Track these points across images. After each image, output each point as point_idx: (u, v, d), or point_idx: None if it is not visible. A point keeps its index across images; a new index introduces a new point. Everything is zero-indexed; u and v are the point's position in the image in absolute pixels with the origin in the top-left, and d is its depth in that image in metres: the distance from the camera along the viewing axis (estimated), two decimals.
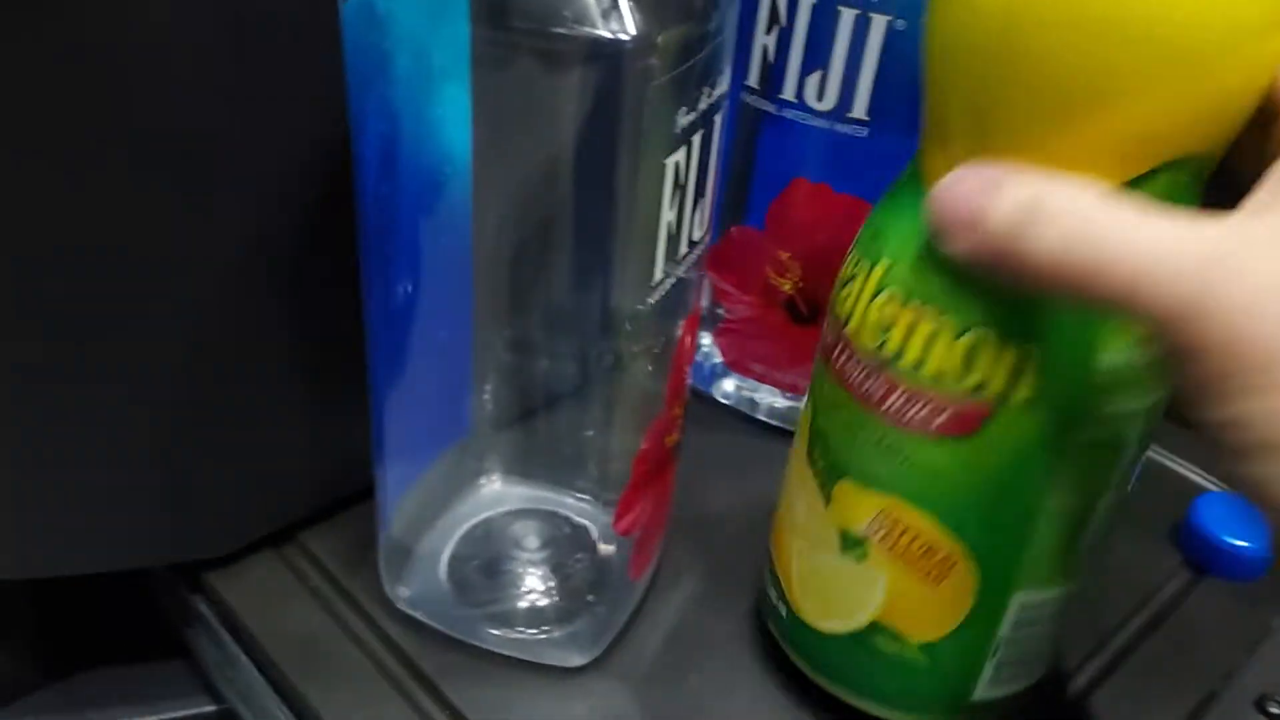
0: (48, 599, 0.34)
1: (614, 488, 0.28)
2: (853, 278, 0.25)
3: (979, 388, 0.23)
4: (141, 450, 0.29)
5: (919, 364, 0.23)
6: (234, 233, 0.27)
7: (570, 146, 0.25)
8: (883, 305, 0.24)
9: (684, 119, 0.23)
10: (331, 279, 0.28)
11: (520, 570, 0.30)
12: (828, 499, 0.26)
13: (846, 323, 0.25)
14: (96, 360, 0.27)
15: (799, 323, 0.36)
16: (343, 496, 0.33)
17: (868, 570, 0.26)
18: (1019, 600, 0.26)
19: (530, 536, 0.31)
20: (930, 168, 0.23)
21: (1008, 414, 0.23)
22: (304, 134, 0.27)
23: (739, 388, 0.38)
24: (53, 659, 0.33)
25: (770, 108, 0.33)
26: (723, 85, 0.25)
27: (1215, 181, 0.22)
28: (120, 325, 0.27)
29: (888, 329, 0.23)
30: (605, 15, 0.22)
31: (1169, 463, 0.40)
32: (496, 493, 0.32)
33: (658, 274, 0.25)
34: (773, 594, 0.29)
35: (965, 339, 0.22)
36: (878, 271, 0.24)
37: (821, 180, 0.33)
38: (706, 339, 0.38)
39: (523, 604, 0.30)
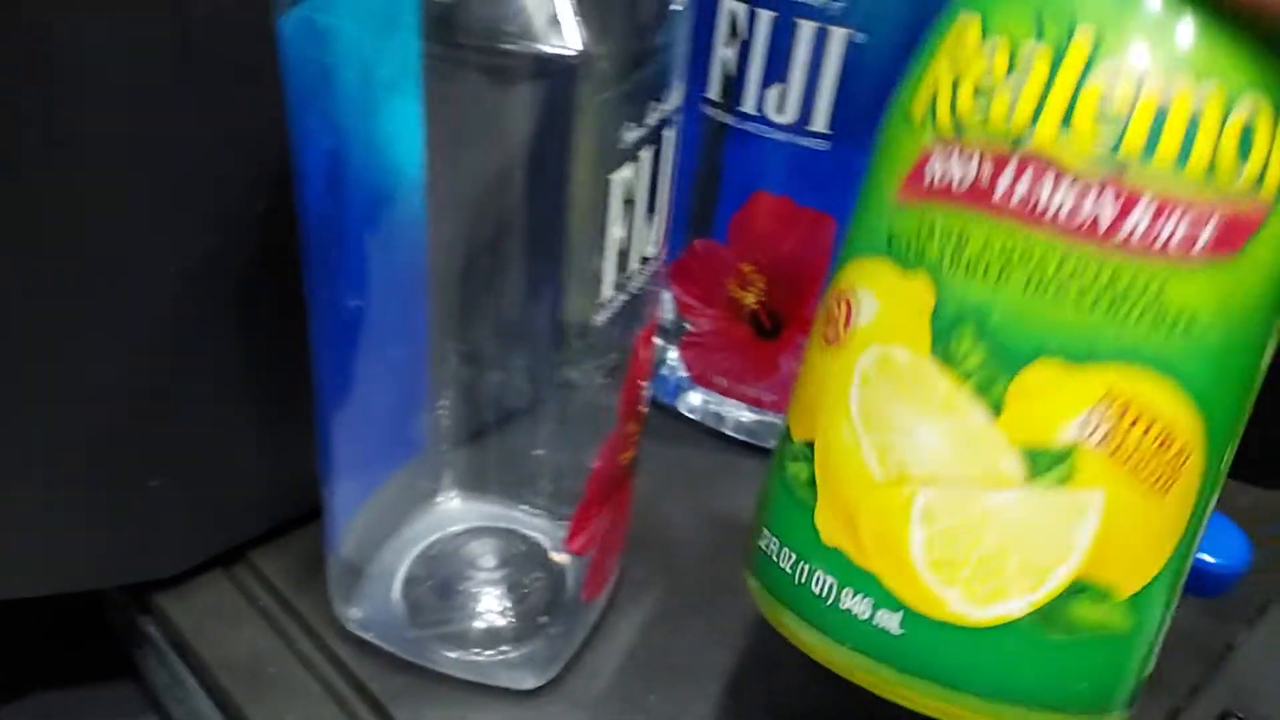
0: None
1: (570, 505, 0.27)
2: (1015, 70, 0.18)
3: (1256, 181, 0.17)
4: (84, 471, 0.28)
5: (1180, 158, 0.17)
6: (177, 249, 0.27)
7: (519, 162, 0.24)
8: (1106, 88, 0.17)
9: (631, 134, 0.23)
10: (280, 296, 0.27)
11: (475, 590, 0.30)
12: (997, 406, 0.18)
13: (1024, 135, 0.18)
14: (37, 380, 0.26)
15: (762, 336, 0.35)
16: (295, 515, 0.32)
17: (1071, 500, 0.18)
18: (1209, 506, 0.20)
19: (486, 555, 0.31)
20: None
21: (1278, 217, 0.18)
22: (248, 149, 0.26)
23: (705, 402, 0.38)
24: (2, 680, 0.33)
25: (731, 121, 0.32)
26: (673, 100, 0.24)
27: None
28: (60, 342, 0.26)
29: (1123, 120, 0.17)
30: (549, 30, 0.21)
31: None
32: (452, 511, 0.32)
33: (607, 291, 0.24)
34: (854, 604, 0.20)
35: (1239, 113, 0.17)
36: (1079, 45, 0.18)
37: (784, 193, 0.33)
38: (672, 353, 0.38)
39: (477, 624, 0.29)
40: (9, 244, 0.25)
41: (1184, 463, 0.19)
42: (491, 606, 0.30)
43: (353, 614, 0.29)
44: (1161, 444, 0.19)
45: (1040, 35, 0.18)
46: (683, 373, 0.38)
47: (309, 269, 0.26)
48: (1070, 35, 0.18)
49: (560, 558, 0.30)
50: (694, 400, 0.38)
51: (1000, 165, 0.18)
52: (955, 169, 0.19)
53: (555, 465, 0.29)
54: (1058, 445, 0.18)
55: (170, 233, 0.26)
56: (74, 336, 0.26)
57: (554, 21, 0.21)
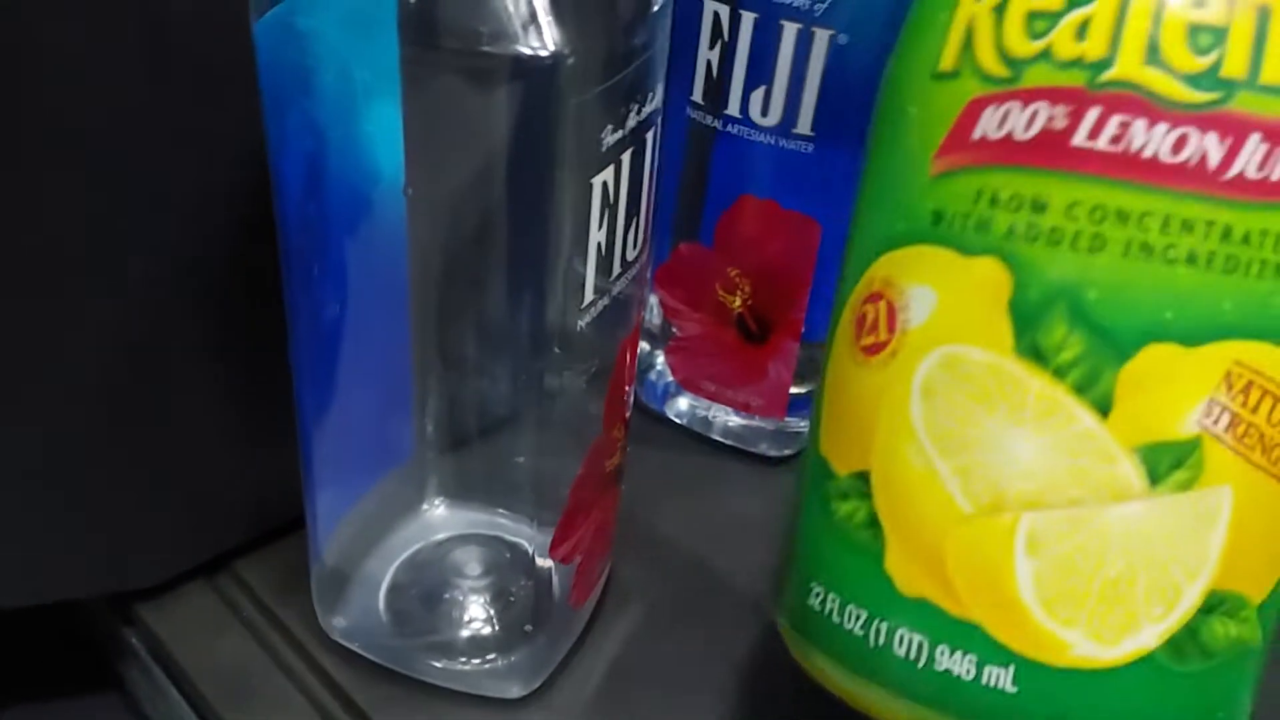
0: None
1: (555, 512, 0.27)
2: (1077, 4, 0.15)
3: None
4: (66, 481, 0.28)
5: None
6: (156, 255, 0.26)
7: (499, 165, 0.24)
8: (1188, 6, 0.15)
9: (611, 137, 0.22)
10: (261, 302, 0.27)
11: (460, 598, 0.30)
12: (1105, 404, 0.16)
13: (1104, 66, 0.15)
14: (16, 389, 0.26)
15: (749, 340, 0.35)
16: (280, 524, 0.32)
17: (1200, 501, 0.16)
18: None
19: (471, 563, 0.30)
20: None
21: None
22: (226, 152, 0.26)
23: (693, 407, 0.38)
24: None
25: (716, 124, 0.32)
26: (653, 103, 0.24)
27: None
28: (41, 351, 0.26)
29: (1221, 36, 0.15)
30: (526, 31, 0.21)
31: None
32: (437, 518, 0.31)
33: (589, 294, 0.24)
34: (955, 664, 0.17)
35: None
36: None
37: (769, 196, 0.33)
38: (660, 358, 0.38)
39: (462, 633, 0.29)
40: None
41: None
42: (477, 615, 0.29)
43: (337, 623, 0.29)
44: None
45: None
46: (670, 378, 0.38)
47: (288, 274, 0.25)
48: None
49: (546, 565, 0.29)
50: (682, 405, 0.38)
51: (1077, 107, 0.15)
52: (1015, 119, 0.16)
53: (540, 472, 0.29)
54: (1180, 440, 0.16)
55: (149, 238, 0.26)
56: (54, 344, 0.26)
57: (531, 23, 0.21)
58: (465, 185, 0.25)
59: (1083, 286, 0.16)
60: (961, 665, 0.17)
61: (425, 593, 0.30)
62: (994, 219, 0.16)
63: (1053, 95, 0.16)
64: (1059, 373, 0.16)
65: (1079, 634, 0.16)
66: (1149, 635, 0.16)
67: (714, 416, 0.37)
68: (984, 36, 0.16)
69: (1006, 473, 0.16)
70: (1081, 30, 0.16)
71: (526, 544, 0.30)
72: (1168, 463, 0.16)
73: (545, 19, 0.21)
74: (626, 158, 0.23)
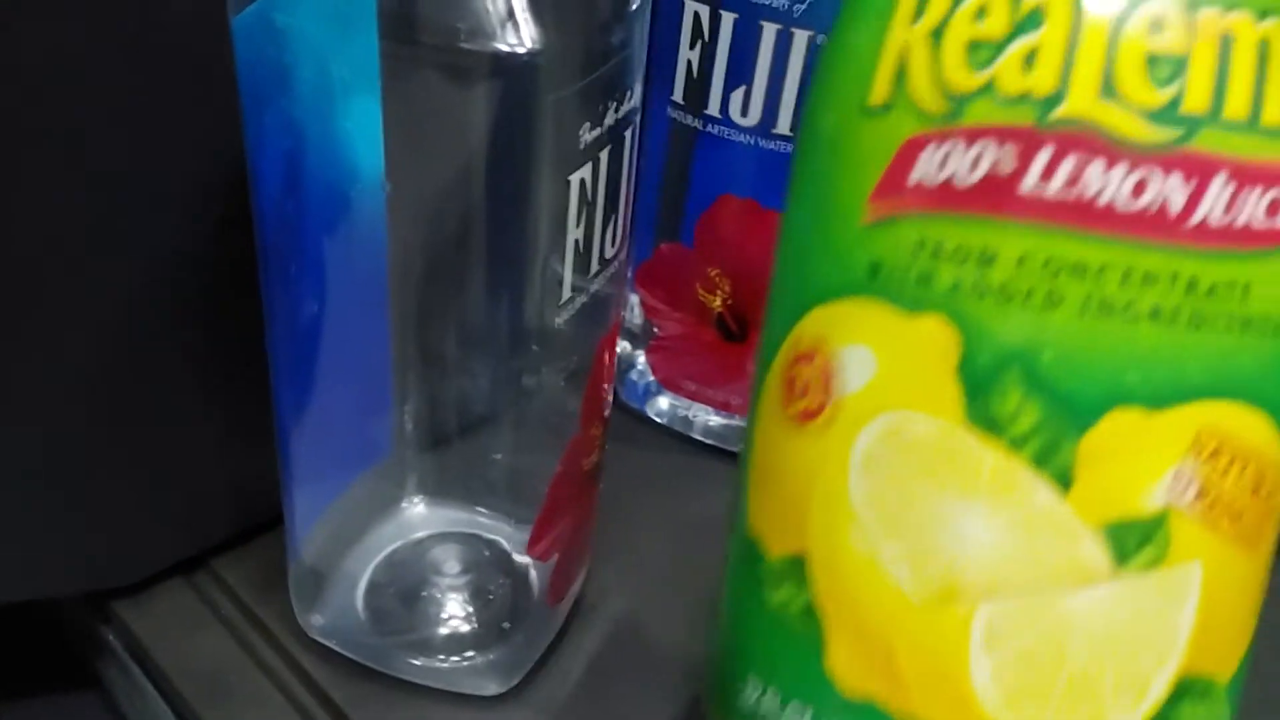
0: None
1: (535, 510, 0.27)
2: (1023, 20, 0.14)
3: None
4: (42, 478, 0.28)
5: (1254, 109, 0.14)
6: (135, 253, 0.26)
7: (477, 162, 0.24)
8: (1153, 30, 0.13)
9: (589, 135, 0.23)
10: (242, 299, 0.27)
11: (439, 596, 0.30)
12: (1065, 477, 0.14)
13: (1054, 102, 0.14)
14: None
15: (730, 340, 0.35)
16: (259, 522, 0.32)
17: (1169, 581, 0.15)
18: None
19: (450, 561, 0.30)
20: None
21: None
22: (206, 150, 0.26)
23: (674, 406, 0.38)
24: None
25: (696, 124, 0.32)
26: (631, 101, 0.24)
27: None
28: (18, 349, 0.26)
29: (1180, 69, 0.13)
30: (502, 29, 0.21)
31: None
32: (416, 516, 0.31)
33: (566, 292, 0.24)
34: None
35: None
36: None
37: (750, 196, 0.33)
38: (641, 357, 0.38)
39: (440, 631, 0.29)
40: None
41: (1273, 503, 0.15)
42: (455, 612, 0.29)
43: (315, 621, 0.29)
44: (1256, 488, 0.15)
45: None
46: (651, 377, 0.38)
47: (266, 272, 0.25)
48: None
49: (525, 563, 0.29)
50: (662, 405, 0.38)
51: (1026, 147, 0.14)
52: (958, 160, 0.14)
53: (519, 470, 0.29)
54: (1147, 515, 0.14)
55: (129, 237, 0.26)
56: (31, 342, 0.26)
57: (509, 20, 0.21)
58: (444, 182, 0.25)
59: (1038, 348, 0.14)
60: None
61: (403, 590, 0.30)
62: (937, 272, 0.15)
63: (999, 134, 0.14)
64: (1015, 444, 0.15)
65: None
66: None
67: (694, 416, 0.37)
68: (919, 67, 0.15)
69: (959, 557, 0.15)
70: (1029, 61, 0.14)
71: (506, 542, 0.30)
72: (1134, 540, 0.15)
73: (523, 16, 0.21)
74: (604, 156, 0.23)
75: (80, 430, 0.28)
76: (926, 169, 0.15)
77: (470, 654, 0.28)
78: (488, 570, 0.30)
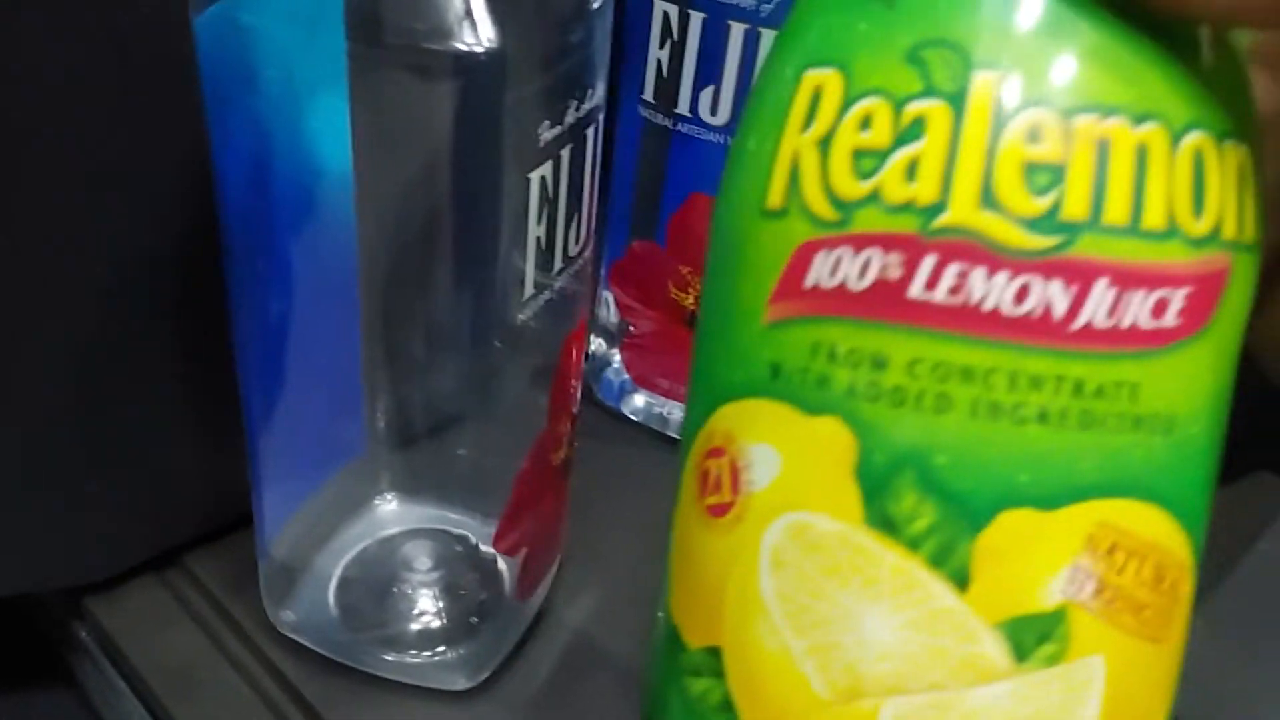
0: None
1: (503, 506, 0.27)
2: (905, 133, 0.14)
3: (1214, 230, 0.14)
4: (16, 474, 0.28)
5: (1134, 214, 0.14)
6: (106, 251, 0.26)
7: (440, 161, 0.24)
8: (1029, 141, 0.14)
9: (548, 133, 0.23)
10: (213, 297, 0.27)
11: (409, 592, 0.30)
12: (962, 577, 0.15)
13: (936, 210, 0.14)
14: None
15: None
16: (233, 518, 0.32)
17: (1070, 676, 0.15)
18: None
19: (421, 557, 0.30)
20: None
21: (1242, 269, 0.15)
22: (170, 149, 0.26)
23: (649, 404, 0.38)
24: None
25: (667, 122, 0.33)
26: (593, 100, 0.24)
27: None
28: None
29: (1058, 176, 0.14)
30: (461, 27, 0.21)
31: None
32: (389, 513, 0.32)
33: (529, 289, 0.24)
34: None
35: (1187, 144, 0.14)
36: (981, 95, 0.14)
37: None
38: (617, 355, 0.38)
39: (410, 626, 0.29)
40: None
41: (1178, 595, 0.16)
42: (425, 608, 0.29)
43: (285, 617, 0.29)
44: (1157, 581, 0.15)
45: (929, 90, 0.14)
46: (626, 375, 0.38)
47: (232, 272, 0.26)
48: (967, 84, 0.14)
49: (495, 559, 0.30)
50: (638, 402, 0.38)
51: (911, 255, 0.14)
52: (848, 266, 0.15)
53: (490, 466, 0.29)
54: (1045, 612, 0.15)
55: (100, 235, 0.26)
56: (2, 342, 0.26)
57: (467, 19, 0.21)
58: (407, 180, 0.25)
59: (931, 450, 0.15)
60: None
61: (374, 587, 0.30)
62: (833, 376, 0.15)
63: (885, 242, 0.14)
64: (912, 544, 0.15)
65: None
66: None
67: (670, 413, 0.38)
68: (810, 174, 0.15)
69: (864, 654, 0.15)
70: (911, 171, 0.14)
71: (475, 538, 0.31)
72: (1033, 637, 0.15)
73: (481, 15, 0.21)
74: (566, 154, 0.24)
75: (52, 428, 0.28)
76: (820, 273, 0.15)
77: (439, 649, 0.28)
78: (458, 566, 0.30)
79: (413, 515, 0.31)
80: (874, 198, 0.14)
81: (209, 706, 0.28)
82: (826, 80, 0.15)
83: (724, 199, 0.17)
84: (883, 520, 0.15)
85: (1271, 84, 0.17)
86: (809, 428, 0.15)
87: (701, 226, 0.34)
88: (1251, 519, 0.37)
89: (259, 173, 0.25)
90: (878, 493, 0.15)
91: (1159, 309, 0.14)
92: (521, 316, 0.24)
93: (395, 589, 0.30)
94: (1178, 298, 0.14)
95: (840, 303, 0.15)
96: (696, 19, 0.30)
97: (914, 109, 0.14)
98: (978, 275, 0.14)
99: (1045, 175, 0.14)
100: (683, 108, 0.32)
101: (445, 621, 0.29)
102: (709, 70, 0.31)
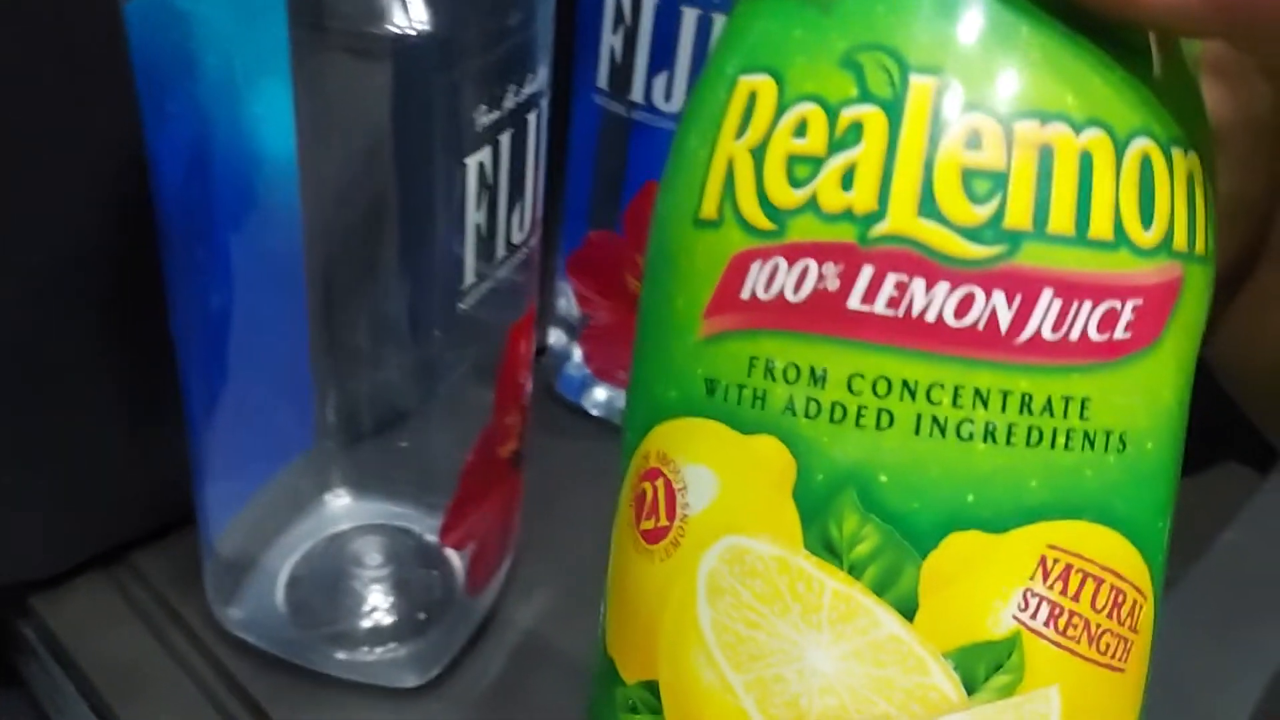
0: None
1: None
2: (840, 140, 0.14)
3: (1164, 240, 0.14)
4: None
5: (1080, 221, 0.14)
6: (34, 238, 0.26)
7: (378, 146, 0.24)
8: (969, 146, 0.13)
9: (486, 117, 0.22)
10: (154, 291, 0.27)
11: (358, 589, 0.29)
12: (909, 605, 0.14)
13: (874, 219, 0.14)
14: None
15: None
16: (182, 515, 0.31)
17: (1025, 708, 0.14)
18: None
19: (371, 553, 0.30)
20: None
21: (1194, 281, 0.14)
22: (100, 137, 0.26)
23: (610, 399, 0.37)
24: None
25: (623, 111, 0.32)
26: (535, 84, 0.24)
27: None
28: None
29: (1000, 183, 0.13)
30: (394, 9, 0.21)
31: None
32: (340, 509, 0.31)
33: (469, 277, 0.24)
34: None
35: (1133, 152, 0.14)
36: (918, 100, 0.14)
37: None
38: (578, 352, 0.38)
39: (360, 624, 0.29)
40: None
41: (1137, 620, 0.15)
42: (374, 604, 0.29)
43: (233, 614, 0.29)
44: (1114, 607, 0.15)
45: (865, 96, 0.14)
46: (586, 368, 0.37)
47: (171, 262, 0.25)
48: (904, 89, 0.14)
49: (445, 554, 0.29)
50: (599, 396, 0.38)
51: (848, 265, 0.14)
52: (784, 277, 0.14)
53: (439, 460, 0.28)
54: (996, 640, 0.14)
55: (27, 225, 0.26)
56: None
57: (400, 1, 0.21)
58: (347, 166, 0.25)
59: (873, 470, 0.14)
60: None
61: (323, 583, 0.29)
62: (771, 392, 0.14)
63: (821, 252, 0.14)
64: (854, 570, 0.14)
65: None
66: None
67: None
68: (745, 182, 0.15)
69: (805, 688, 0.14)
70: (847, 178, 0.14)
71: (426, 534, 0.30)
72: (985, 667, 0.14)
73: None
74: (505, 139, 0.23)
75: None
76: (755, 285, 0.14)
77: (389, 646, 0.28)
78: (408, 562, 0.30)
79: (362, 511, 0.31)
80: (810, 206, 0.14)
81: (155, 705, 0.27)
82: (760, 86, 0.15)
83: (660, 207, 0.16)
84: (823, 544, 0.14)
85: (1224, 95, 0.17)
86: (746, 447, 0.15)
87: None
88: (1219, 509, 0.37)
89: (198, 160, 0.24)
90: (817, 515, 0.14)
91: (1108, 321, 0.14)
92: (463, 306, 0.24)
93: (344, 586, 0.29)
94: (1127, 309, 0.14)
95: (777, 315, 0.14)
96: (649, 4, 0.30)
97: (849, 115, 0.14)
98: (918, 286, 0.13)
99: (986, 182, 0.13)
100: (637, 95, 0.31)
101: (394, 618, 0.29)
102: (662, 56, 0.30)
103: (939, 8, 0.14)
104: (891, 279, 0.14)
